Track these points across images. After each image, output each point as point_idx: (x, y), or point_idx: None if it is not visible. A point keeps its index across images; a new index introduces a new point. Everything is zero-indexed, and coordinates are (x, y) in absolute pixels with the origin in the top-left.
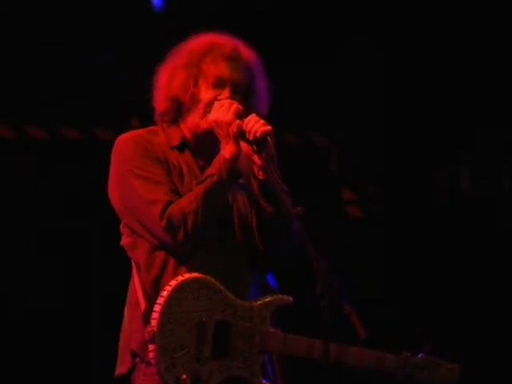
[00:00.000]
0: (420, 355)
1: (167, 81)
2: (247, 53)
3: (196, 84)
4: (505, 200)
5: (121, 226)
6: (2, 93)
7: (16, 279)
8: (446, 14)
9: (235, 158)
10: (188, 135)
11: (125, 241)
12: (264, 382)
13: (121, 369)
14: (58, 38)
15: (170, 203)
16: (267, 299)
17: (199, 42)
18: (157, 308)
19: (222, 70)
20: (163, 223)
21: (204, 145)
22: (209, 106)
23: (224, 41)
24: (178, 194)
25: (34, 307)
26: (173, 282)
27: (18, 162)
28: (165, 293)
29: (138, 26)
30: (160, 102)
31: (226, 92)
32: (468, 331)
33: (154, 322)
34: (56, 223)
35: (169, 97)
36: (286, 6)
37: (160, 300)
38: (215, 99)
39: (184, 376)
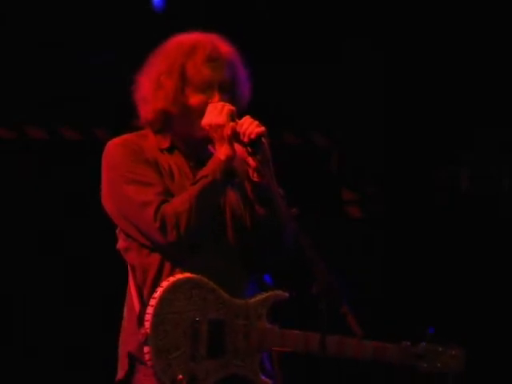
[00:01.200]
0: (421, 344)
1: (152, 91)
2: (225, 47)
3: (183, 93)
4: (505, 200)
5: (117, 230)
6: (2, 93)
7: (16, 279)
8: (446, 13)
9: (230, 160)
10: (178, 140)
11: (121, 244)
12: (263, 378)
13: (119, 374)
14: (58, 37)
15: (162, 203)
16: (263, 296)
17: (177, 45)
18: (149, 310)
19: (207, 73)
20: (157, 224)
21: (194, 147)
22: (201, 112)
23: (201, 40)
24: (170, 194)
25: (34, 307)
26: (164, 283)
27: (18, 162)
28: (156, 294)
29: (138, 26)
30: (147, 113)
31: (215, 94)
32: (468, 331)
33: (147, 324)
34: (56, 223)
35: (156, 109)
36: (286, 6)
37: (152, 302)
38: (206, 105)
39: (180, 376)
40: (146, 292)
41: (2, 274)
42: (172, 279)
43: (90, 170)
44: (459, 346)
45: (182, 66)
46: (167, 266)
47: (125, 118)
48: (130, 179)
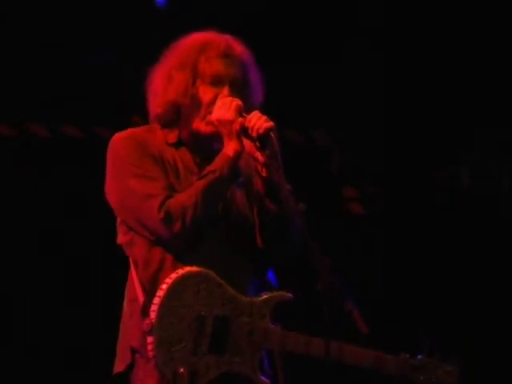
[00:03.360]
0: (419, 356)
1: (163, 84)
2: (239, 47)
3: (194, 85)
4: (505, 200)
5: (117, 224)
6: (3, 93)
7: (16, 279)
8: (446, 14)
9: (238, 155)
10: (185, 135)
11: (122, 239)
12: (262, 377)
13: (119, 366)
14: (58, 37)
15: (168, 197)
16: (267, 296)
17: (191, 41)
18: (156, 300)
19: (218, 67)
20: (161, 215)
21: (202, 143)
22: (210, 106)
23: (216, 38)
24: (174, 190)
25: (34, 307)
26: (173, 275)
27: (19, 162)
28: (165, 285)
29: (139, 25)
30: (156, 106)
31: (226, 89)
32: (468, 330)
33: (152, 314)
34: (56, 223)
35: (167, 101)
36: (285, 6)
37: (160, 292)
38: (215, 98)
39: (181, 369)
40: (148, 285)
41: (2, 274)
42: (181, 271)
43: (90, 169)
44: (455, 361)
45: (194, 60)
46: (169, 259)
47: (125, 118)
48: (135, 172)
